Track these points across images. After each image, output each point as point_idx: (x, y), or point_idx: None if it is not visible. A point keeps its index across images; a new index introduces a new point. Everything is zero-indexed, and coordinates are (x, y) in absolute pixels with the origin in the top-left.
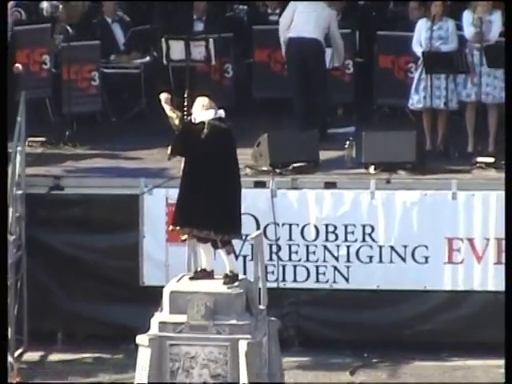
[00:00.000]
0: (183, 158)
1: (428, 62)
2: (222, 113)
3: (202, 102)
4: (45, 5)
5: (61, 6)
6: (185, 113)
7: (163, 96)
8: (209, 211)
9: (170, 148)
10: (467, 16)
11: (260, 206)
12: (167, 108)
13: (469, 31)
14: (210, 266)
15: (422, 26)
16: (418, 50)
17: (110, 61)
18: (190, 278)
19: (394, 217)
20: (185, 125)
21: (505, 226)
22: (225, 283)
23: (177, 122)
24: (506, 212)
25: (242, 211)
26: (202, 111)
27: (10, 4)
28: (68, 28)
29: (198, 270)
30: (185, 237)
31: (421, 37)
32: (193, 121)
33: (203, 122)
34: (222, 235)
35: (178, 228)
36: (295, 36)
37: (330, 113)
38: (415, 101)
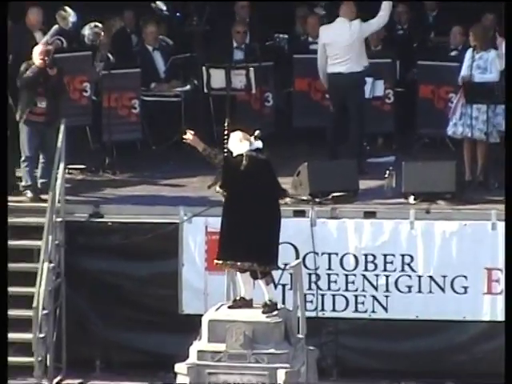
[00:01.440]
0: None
1: (469, 91)
2: (258, 144)
3: (237, 136)
4: (86, 32)
5: (102, 34)
6: (224, 146)
7: (188, 138)
8: (251, 244)
9: (218, 185)
10: (502, 46)
11: (299, 235)
12: (200, 148)
13: (502, 62)
14: (250, 294)
15: (467, 56)
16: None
17: (150, 89)
18: (229, 307)
19: (433, 247)
20: (225, 159)
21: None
22: (264, 312)
23: (216, 161)
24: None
25: (282, 240)
26: (238, 144)
27: (52, 32)
28: (109, 55)
29: (237, 298)
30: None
31: (466, 66)
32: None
33: (241, 155)
34: (264, 267)
35: (220, 262)
36: (333, 72)
37: (370, 142)
38: (451, 127)
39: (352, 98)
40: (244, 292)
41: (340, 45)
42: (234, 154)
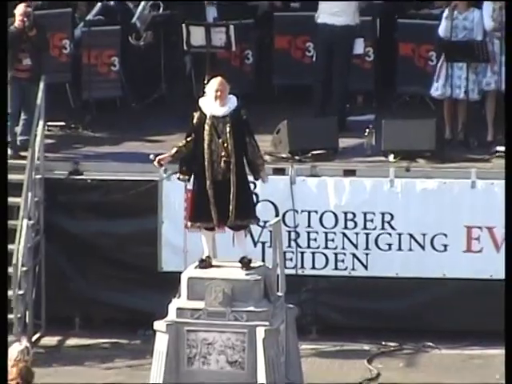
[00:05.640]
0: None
1: (448, 50)
2: (232, 103)
3: (212, 90)
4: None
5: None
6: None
7: (159, 163)
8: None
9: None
10: (487, 7)
11: (279, 193)
12: (170, 158)
13: (489, 23)
14: (214, 252)
15: (447, 15)
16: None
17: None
18: (201, 267)
19: (413, 205)
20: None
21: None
22: (246, 269)
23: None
24: (506, 203)
25: (261, 198)
26: (213, 104)
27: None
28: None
29: (203, 258)
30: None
31: (446, 25)
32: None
33: (216, 117)
34: (248, 220)
35: (197, 224)
36: (324, 22)
37: (349, 100)
38: (435, 88)
39: (341, 52)
40: (208, 251)
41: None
42: (208, 115)
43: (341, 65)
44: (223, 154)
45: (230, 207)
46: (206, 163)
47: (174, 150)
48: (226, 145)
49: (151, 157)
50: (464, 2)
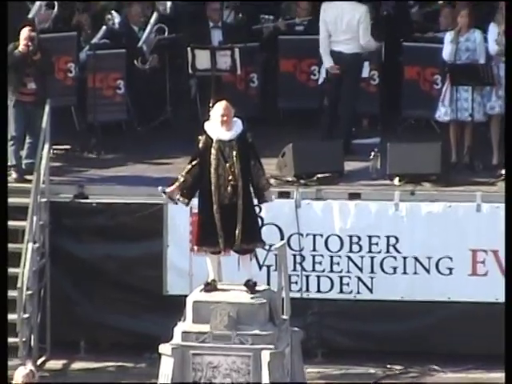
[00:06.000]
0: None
1: (453, 73)
2: (238, 127)
3: (218, 114)
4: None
5: (85, 15)
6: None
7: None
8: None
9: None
10: (492, 31)
11: (284, 217)
12: (178, 191)
13: (493, 47)
14: (219, 276)
15: (449, 38)
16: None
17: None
18: (206, 291)
19: (418, 228)
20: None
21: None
22: (252, 292)
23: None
24: (506, 224)
25: (266, 221)
26: (219, 129)
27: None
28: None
29: (209, 281)
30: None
31: (451, 49)
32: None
33: (222, 141)
34: (254, 244)
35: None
36: (332, 50)
37: (355, 124)
38: (442, 113)
39: (350, 77)
40: (214, 274)
41: (343, 23)
42: (214, 139)
43: (349, 89)
44: (230, 178)
45: (237, 231)
46: (212, 187)
47: (181, 179)
48: (232, 169)
49: (160, 189)
50: (465, 22)
